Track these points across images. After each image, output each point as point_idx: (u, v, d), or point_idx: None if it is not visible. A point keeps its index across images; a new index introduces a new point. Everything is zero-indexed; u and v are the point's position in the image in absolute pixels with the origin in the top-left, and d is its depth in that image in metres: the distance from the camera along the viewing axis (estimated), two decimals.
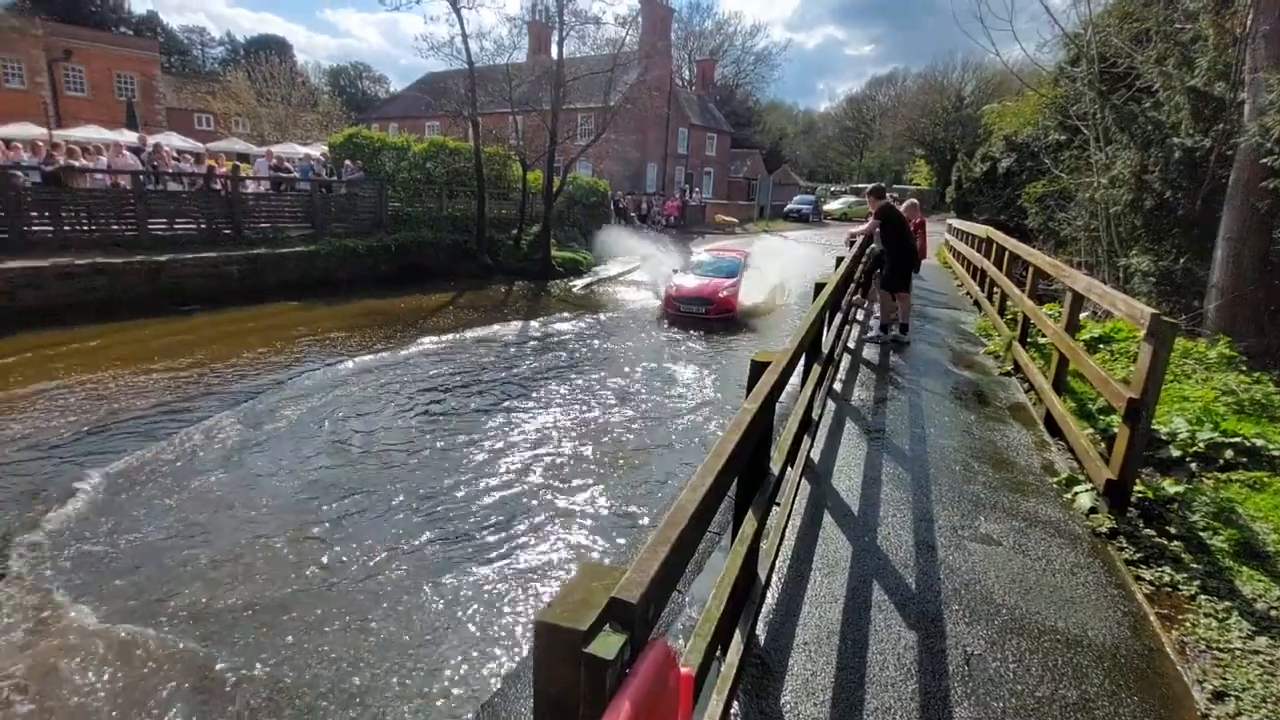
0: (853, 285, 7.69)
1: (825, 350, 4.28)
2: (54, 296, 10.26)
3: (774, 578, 3.04)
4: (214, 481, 5.66)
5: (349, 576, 4.39)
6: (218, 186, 14.26)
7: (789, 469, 3.37)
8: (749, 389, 2.32)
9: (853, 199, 44.72)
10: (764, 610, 2.79)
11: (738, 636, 2.25)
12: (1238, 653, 2.78)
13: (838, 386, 6.04)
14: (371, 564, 4.54)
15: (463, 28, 20.05)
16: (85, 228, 11.78)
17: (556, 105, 21.97)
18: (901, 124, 60.18)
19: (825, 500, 3.87)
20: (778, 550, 3.01)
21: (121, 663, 3.51)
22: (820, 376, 4.10)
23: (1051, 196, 11.89)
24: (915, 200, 10.26)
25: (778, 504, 3.49)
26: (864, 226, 8.06)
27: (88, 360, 8.62)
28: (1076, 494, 4.09)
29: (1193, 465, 4.63)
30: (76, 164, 13.04)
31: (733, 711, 2.24)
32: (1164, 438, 4.91)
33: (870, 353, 7.44)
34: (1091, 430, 5.12)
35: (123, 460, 5.89)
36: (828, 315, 4.42)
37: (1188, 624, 2.96)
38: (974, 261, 11.49)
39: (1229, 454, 4.57)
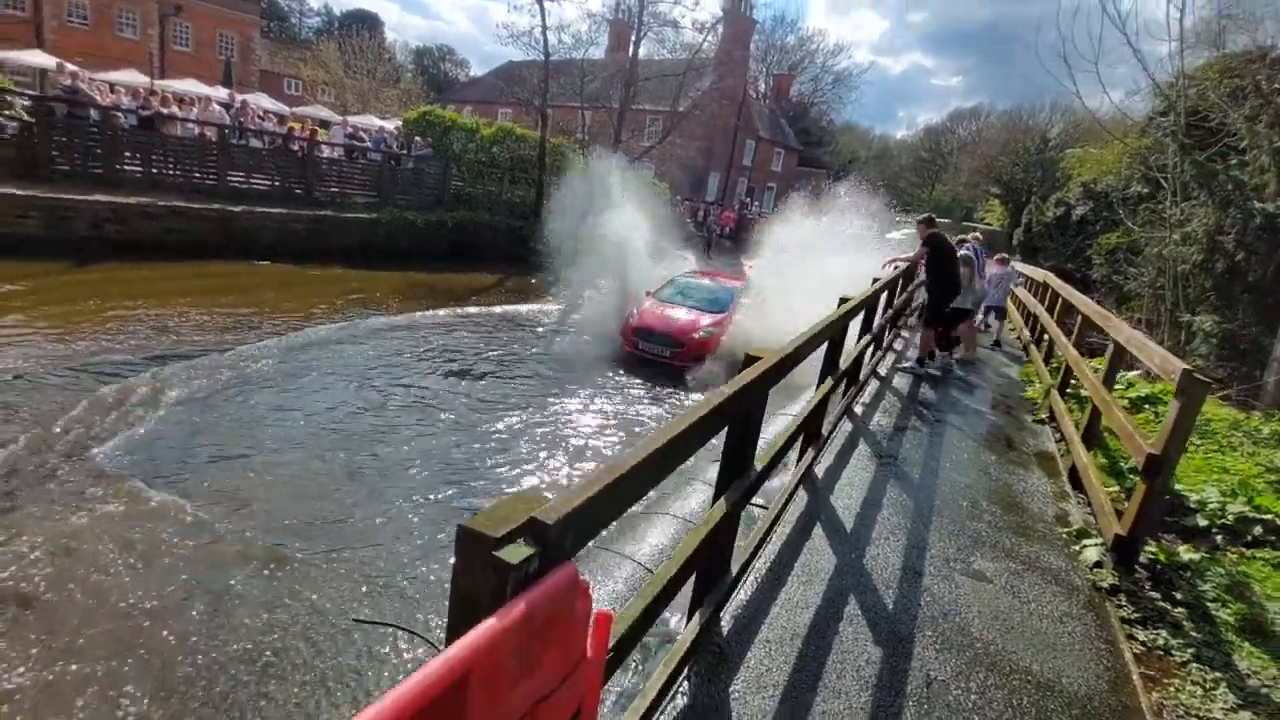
0: (887, 311, 7.58)
1: (842, 366, 4.27)
2: (136, 232, 10.99)
3: (750, 576, 3.07)
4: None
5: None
6: (295, 148, 14.99)
7: (779, 472, 3.40)
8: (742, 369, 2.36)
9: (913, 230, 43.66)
10: (732, 604, 2.83)
11: (696, 618, 2.31)
12: None
13: (859, 409, 5.99)
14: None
15: (543, 19, 20.58)
16: (171, 172, 12.58)
17: (625, 104, 22.25)
18: (979, 160, 58.36)
19: (821, 513, 3.87)
20: (756, 550, 3.04)
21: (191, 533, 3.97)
22: (831, 389, 4.10)
23: (1121, 249, 11.41)
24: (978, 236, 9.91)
25: (761, 505, 3.53)
26: (908, 254, 7.92)
27: (157, 291, 9.27)
28: (1084, 547, 3.97)
29: (1218, 537, 4.42)
30: (168, 111, 13.92)
31: (681, 690, 2.30)
32: (1193, 505, 4.70)
33: (900, 382, 7.32)
34: (1117, 487, 4.95)
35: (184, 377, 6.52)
36: (848, 332, 4.40)
37: (1172, 689, 2.87)
38: (1028, 305, 11.14)
39: (1258, 530, 4.35)
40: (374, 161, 16.72)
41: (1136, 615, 3.36)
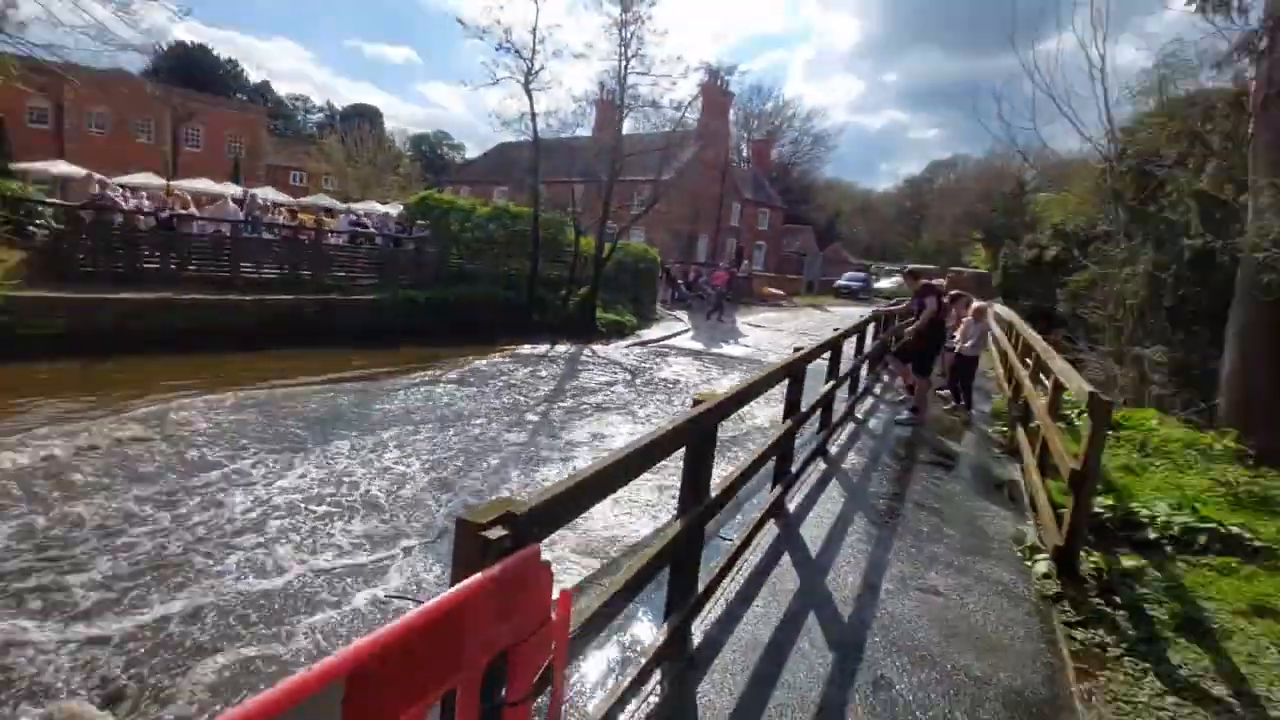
0: (863, 354, 8.08)
1: (803, 408, 4.74)
2: (154, 327, 11.69)
3: (721, 595, 3.46)
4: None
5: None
6: (303, 238, 15.97)
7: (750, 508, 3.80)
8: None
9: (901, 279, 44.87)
10: (703, 619, 3.21)
11: (666, 626, 2.71)
12: (1141, 706, 3.00)
13: (833, 449, 6.41)
14: None
15: (531, 107, 22.17)
16: (190, 267, 13.44)
17: (612, 178, 23.62)
18: (960, 207, 60.59)
19: (790, 543, 4.26)
20: (723, 572, 3.44)
21: None
22: (794, 426, 4.56)
23: (1083, 287, 12.07)
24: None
25: (727, 539, 3.94)
26: (923, 317, 7.60)
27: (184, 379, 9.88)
28: (1036, 561, 4.33)
29: (1167, 547, 4.77)
30: (185, 212, 14.95)
31: (654, 693, 2.67)
32: (1144, 520, 5.07)
33: (875, 423, 7.76)
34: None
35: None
36: (803, 376, 4.89)
37: (1103, 679, 3.20)
38: (1000, 344, 11.69)
39: (1203, 539, 4.71)
40: (376, 246, 17.70)
41: (1077, 618, 3.71)
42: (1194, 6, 8.84)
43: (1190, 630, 3.65)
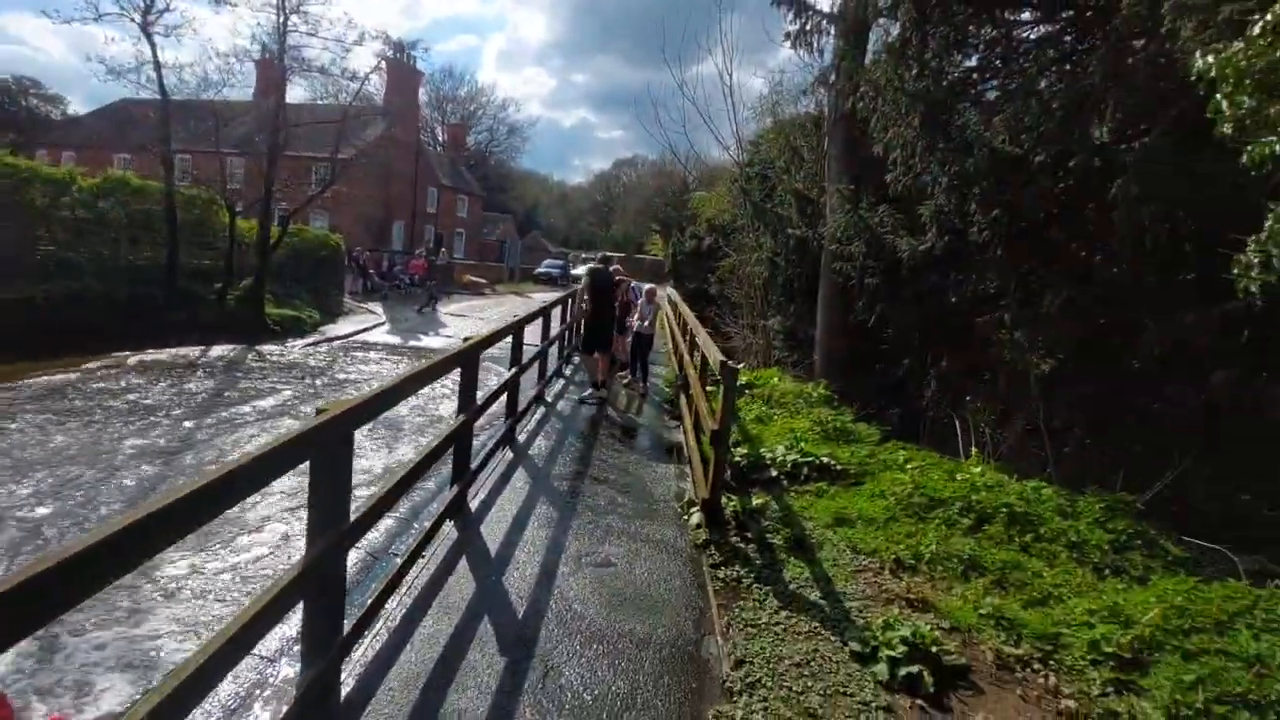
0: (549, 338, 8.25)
1: (480, 399, 4.55)
2: None
3: (383, 624, 3.07)
4: None
5: None
6: None
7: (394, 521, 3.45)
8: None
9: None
10: (355, 660, 2.80)
11: (303, 679, 2.25)
12: (763, 626, 3.55)
13: (522, 437, 6.40)
14: None
15: (155, 55, 17.64)
16: None
17: (274, 149, 20.26)
18: (640, 202, 67.60)
19: (469, 545, 4.04)
20: (383, 596, 3.05)
21: None
22: (473, 416, 4.33)
23: (727, 271, 14.41)
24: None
25: (395, 555, 3.55)
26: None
27: None
28: (691, 514, 4.89)
29: (784, 481, 5.88)
30: None
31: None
32: (767, 461, 6.16)
33: (564, 404, 8.03)
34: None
35: None
36: (475, 361, 4.72)
37: (737, 610, 3.71)
38: (669, 323, 13.27)
39: (806, 470, 5.92)
40: None
41: (721, 559, 4.27)
42: (790, 43, 11.05)
43: (797, 549, 4.50)
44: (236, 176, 22.74)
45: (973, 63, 7.22)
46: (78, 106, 51.72)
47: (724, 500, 4.80)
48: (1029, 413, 6.46)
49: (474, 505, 4.62)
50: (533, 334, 7.61)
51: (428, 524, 3.90)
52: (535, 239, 55.93)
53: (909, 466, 5.82)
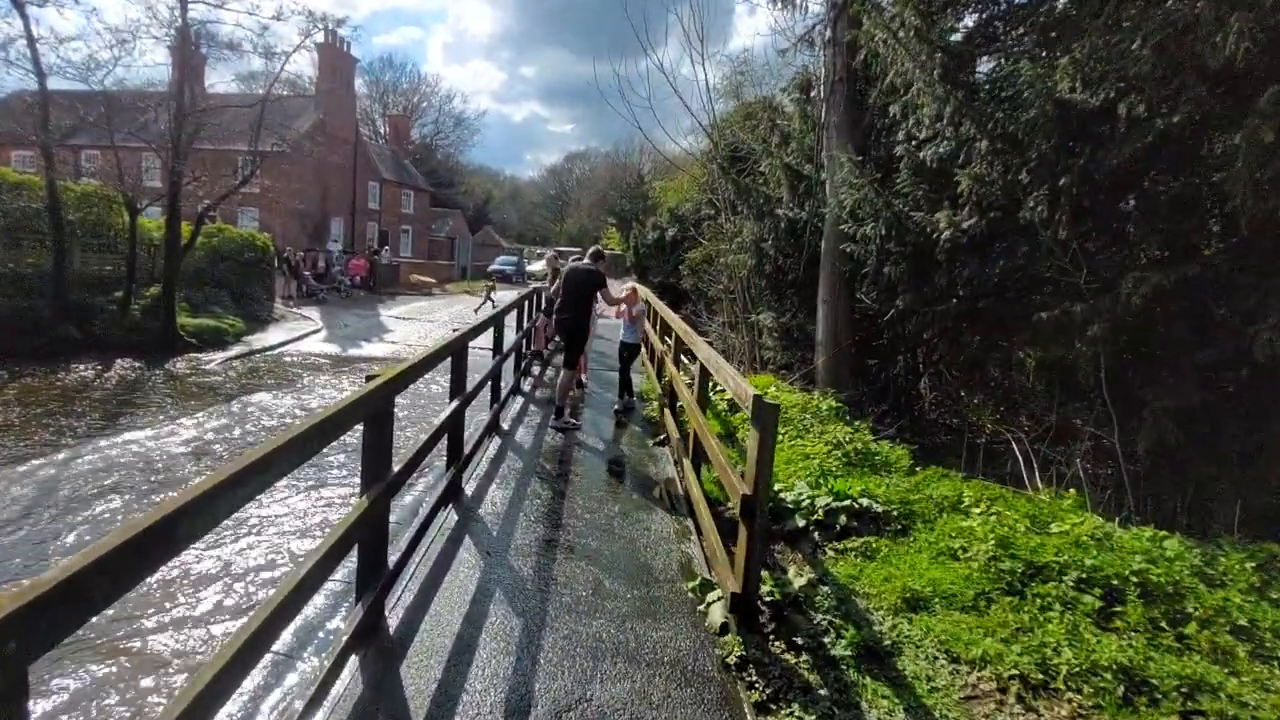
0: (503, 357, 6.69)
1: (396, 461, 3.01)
2: None
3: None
4: None
5: None
6: None
7: None
8: None
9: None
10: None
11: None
12: None
13: (470, 488, 4.85)
14: None
15: (28, 28, 15.16)
16: None
17: (180, 141, 17.91)
18: (595, 195, 65.65)
19: None
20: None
21: None
22: (384, 490, 2.78)
23: (701, 262, 13.02)
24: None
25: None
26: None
27: None
28: (710, 604, 3.46)
29: (816, 535, 4.51)
30: None
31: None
32: (789, 506, 4.78)
33: (524, 434, 6.50)
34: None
35: None
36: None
37: None
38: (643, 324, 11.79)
39: (843, 519, 4.56)
40: None
41: (769, 691, 2.85)
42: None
43: (870, 660, 3.12)
44: (153, 173, 20.21)
45: None
46: None
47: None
48: (1094, 425, 5.29)
49: (392, 625, 3.07)
50: (485, 340, 6.08)
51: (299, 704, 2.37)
52: (488, 235, 53.65)
53: (973, 510, 4.52)
